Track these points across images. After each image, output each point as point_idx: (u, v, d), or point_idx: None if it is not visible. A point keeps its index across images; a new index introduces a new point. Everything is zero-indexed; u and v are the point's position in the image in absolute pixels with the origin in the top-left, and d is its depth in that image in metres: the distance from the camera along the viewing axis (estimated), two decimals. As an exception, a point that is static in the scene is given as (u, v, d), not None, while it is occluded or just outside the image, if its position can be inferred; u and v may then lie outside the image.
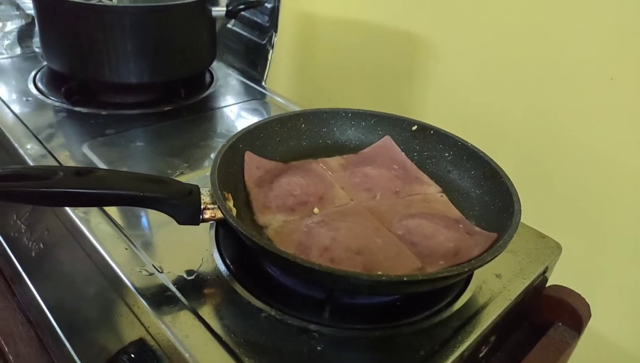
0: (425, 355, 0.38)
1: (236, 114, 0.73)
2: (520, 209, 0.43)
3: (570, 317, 0.54)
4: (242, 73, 0.85)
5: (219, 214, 0.41)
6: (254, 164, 0.52)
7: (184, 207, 0.41)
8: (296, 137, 0.57)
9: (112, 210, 0.49)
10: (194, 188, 0.42)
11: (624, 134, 0.61)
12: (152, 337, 0.40)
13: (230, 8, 0.72)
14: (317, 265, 0.35)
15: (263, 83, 0.82)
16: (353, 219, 0.46)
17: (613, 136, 0.62)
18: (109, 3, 0.74)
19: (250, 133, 0.52)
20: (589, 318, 0.54)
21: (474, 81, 0.75)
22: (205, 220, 0.42)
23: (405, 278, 0.35)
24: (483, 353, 0.46)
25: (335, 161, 0.56)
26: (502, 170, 0.49)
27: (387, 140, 0.57)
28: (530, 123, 0.69)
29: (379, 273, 0.38)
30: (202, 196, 0.42)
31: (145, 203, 0.40)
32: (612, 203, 0.64)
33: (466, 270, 0.36)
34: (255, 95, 0.79)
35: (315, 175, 0.54)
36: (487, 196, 0.49)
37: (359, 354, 0.38)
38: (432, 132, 0.56)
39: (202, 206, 0.41)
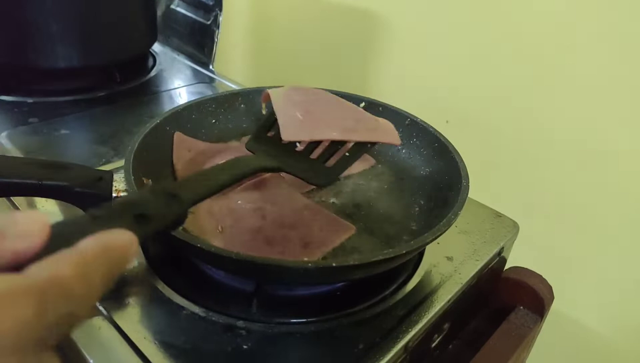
0: (364, 348, 0.34)
1: (180, 98, 0.68)
2: (468, 186, 0.40)
3: (531, 300, 0.51)
4: (189, 57, 0.79)
5: (134, 203, 0.37)
6: (184, 146, 0.48)
7: (91, 196, 0.36)
8: (235, 118, 0.53)
9: (21, 201, 0.44)
10: (106, 174, 0.38)
11: (586, 115, 0.58)
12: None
13: (167, -16, 0.67)
14: (235, 253, 0.31)
15: (211, 66, 0.77)
16: (276, 195, 0.42)
17: (574, 116, 0.59)
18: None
19: (178, 114, 0.48)
20: (552, 300, 0.51)
21: (431, 59, 0.71)
22: (118, 210, 0.37)
23: (334, 264, 0.31)
24: (436, 342, 0.42)
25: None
26: (452, 145, 0.45)
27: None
28: (489, 103, 0.66)
29: (305, 259, 0.34)
30: (115, 183, 0.37)
31: (44, 192, 0.35)
32: (575, 182, 0.62)
33: (404, 252, 0.33)
34: (202, 78, 0.74)
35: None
36: (437, 174, 0.46)
37: (290, 351, 0.34)
38: (380, 108, 0.52)
39: (114, 195, 0.37)
